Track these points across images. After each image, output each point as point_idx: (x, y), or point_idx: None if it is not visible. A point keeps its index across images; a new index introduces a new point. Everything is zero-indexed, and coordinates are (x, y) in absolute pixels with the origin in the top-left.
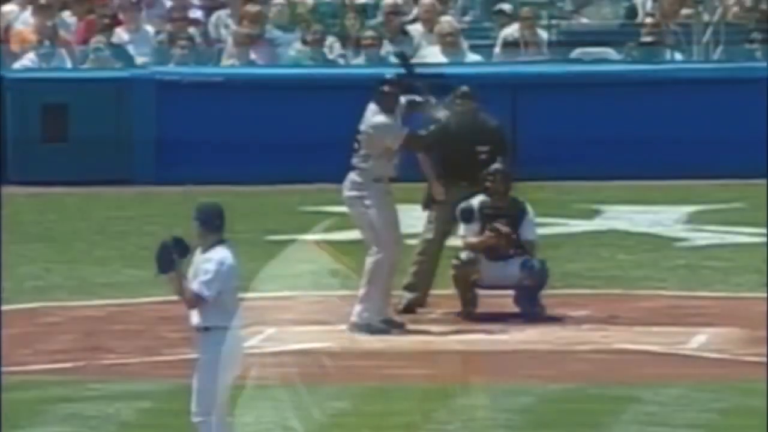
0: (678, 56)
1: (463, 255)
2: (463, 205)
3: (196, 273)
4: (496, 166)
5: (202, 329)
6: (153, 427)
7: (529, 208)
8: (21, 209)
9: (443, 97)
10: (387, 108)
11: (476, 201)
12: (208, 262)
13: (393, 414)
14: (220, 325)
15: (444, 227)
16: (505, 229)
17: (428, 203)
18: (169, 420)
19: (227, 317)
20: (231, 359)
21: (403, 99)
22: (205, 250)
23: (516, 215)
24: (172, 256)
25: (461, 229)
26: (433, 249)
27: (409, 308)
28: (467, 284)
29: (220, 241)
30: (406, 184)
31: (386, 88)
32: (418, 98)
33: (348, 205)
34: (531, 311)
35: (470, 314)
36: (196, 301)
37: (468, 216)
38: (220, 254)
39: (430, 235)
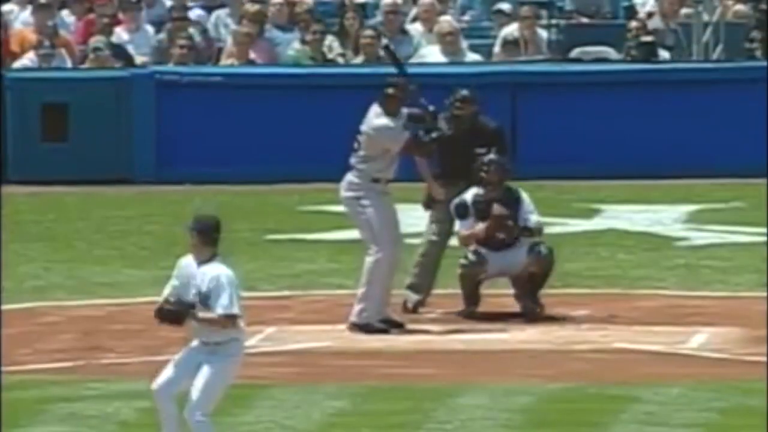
0: (678, 56)
1: (471, 255)
2: (456, 201)
3: (203, 290)
4: (491, 156)
5: (212, 344)
6: (152, 426)
7: (524, 195)
8: (21, 208)
9: (441, 106)
10: (390, 111)
11: (469, 195)
12: (215, 281)
13: (393, 413)
14: (231, 337)
15: (446, 227)
16: (499, 210)
17: (429, 203)
18: None
19: (236, 329)
20: (237, 367)
21: (404, 110)
22: (201, 263)
23: (511, 204)
24: (184, 313)
25: (456, 224)
26: (435, 250)
27: (412, 308)
28: (473, 284)
29: (215, 255)
30: (406, 184)
31: (391, 91)
32: (418, 111)
33: (345, 206)
34: (531, 308)
35: (472, 314)
36: (230, 321)
37: (463, 212)
38: (224, 270)
39: (432, 237)
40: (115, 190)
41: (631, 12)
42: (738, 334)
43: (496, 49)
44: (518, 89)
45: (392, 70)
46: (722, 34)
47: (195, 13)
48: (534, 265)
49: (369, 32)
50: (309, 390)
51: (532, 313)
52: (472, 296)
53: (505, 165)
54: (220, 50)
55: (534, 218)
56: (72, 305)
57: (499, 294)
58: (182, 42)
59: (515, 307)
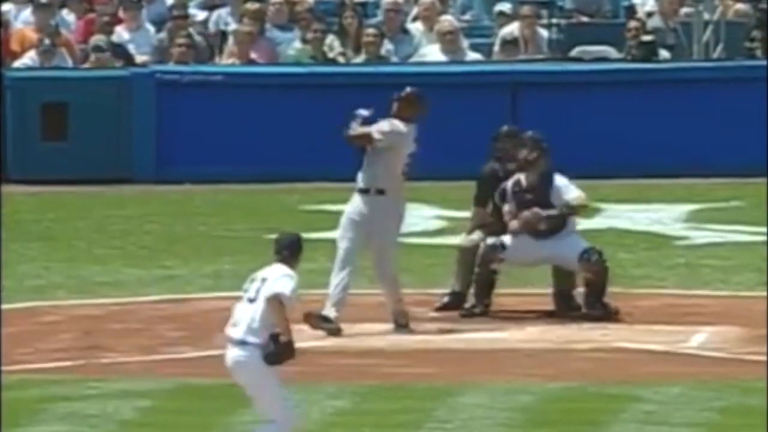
0: (678, 55)
1: (491, 239)
2: (499, 190)
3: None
4: (528, 133)
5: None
6: (152, 425)
7: (557, 176)
8: (21, 208)
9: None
10: (406, 119)
11: (510, 182)
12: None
13: (393, 413)
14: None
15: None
16: (527, 214)
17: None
18: (169, 418)
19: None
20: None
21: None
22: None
23: (544, 188)
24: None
25: (504, 207)
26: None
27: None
28: (487, 272)
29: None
30: (408, 183)
31: (404, 97)
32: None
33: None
34: (605, 314)
35: (474, 313)
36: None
37: (503, 197)
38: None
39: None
40: (115, 190)
41: (631, 11)
42: (738, 333)
43: (496, 47)
44: (518, 88)
45: (389, 68)
46: (722, 33)
47: (200, 16)
48: (587, 271)
49: (372, 31)
50: (309, 389)
51: (607, 317)
52: (483, 291)
53: (542, 141)
54: (220, 49)
55: (572, 195)
56: (72, 304)
57: (499, 294)
58: (182, 41)
59: (515, 306)
